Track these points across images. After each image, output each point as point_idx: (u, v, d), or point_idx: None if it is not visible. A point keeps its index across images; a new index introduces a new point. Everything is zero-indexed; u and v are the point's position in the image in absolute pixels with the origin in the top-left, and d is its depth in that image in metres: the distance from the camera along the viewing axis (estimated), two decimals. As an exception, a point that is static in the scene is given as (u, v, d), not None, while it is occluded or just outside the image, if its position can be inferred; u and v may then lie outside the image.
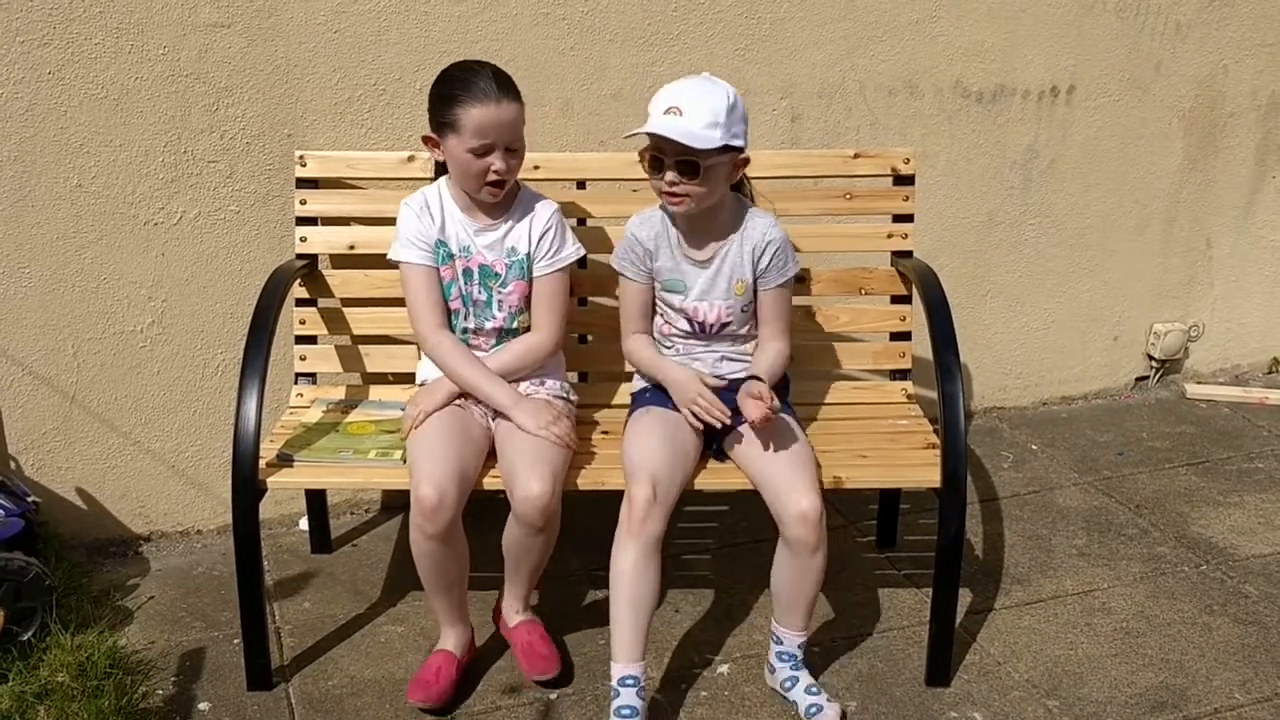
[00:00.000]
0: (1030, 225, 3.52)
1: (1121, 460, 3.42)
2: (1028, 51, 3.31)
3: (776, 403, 2.24)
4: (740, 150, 2.26)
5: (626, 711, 2.14)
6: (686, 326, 2.40)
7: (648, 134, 2.21)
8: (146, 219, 2.71)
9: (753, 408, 2.22)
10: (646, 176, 2.28)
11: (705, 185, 2.23)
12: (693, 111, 2.17)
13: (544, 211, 2.41)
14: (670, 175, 2.22)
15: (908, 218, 2.74)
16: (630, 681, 2.16)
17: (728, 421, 2.28)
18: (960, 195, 3.40)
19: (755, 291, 2.39)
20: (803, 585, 2.25)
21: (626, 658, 2.16)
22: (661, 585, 2.21)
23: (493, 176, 2.27)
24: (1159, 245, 3.72)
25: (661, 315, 2.45)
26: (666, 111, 2.18)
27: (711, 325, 2.39)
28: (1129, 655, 2.51)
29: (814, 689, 2.30)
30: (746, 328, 2.43)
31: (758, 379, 2.29)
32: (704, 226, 2.35)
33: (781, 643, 2.34)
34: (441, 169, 2.40)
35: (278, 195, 2.76)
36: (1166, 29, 3.44)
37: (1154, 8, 3.40)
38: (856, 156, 2.74)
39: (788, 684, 2.33)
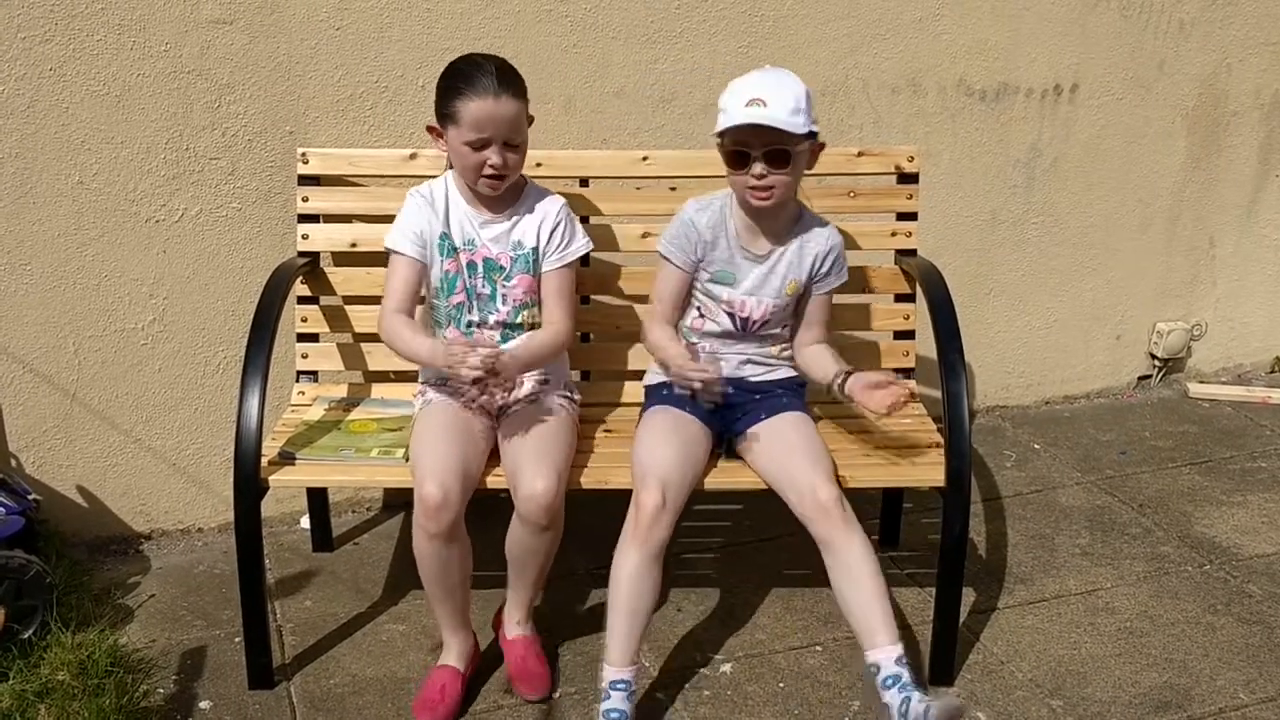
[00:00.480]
0: (1033, 224, 3.52)
1: (1124, 459, 3.41)
2: (1031, 50, 3.31)
3: (902, 388, 2.21)
4: (817, 136, 2.24)
5: (615, 715, 2.13)
6: (726, 321, 2.37)
7: (739, 127, 2.14)
8: (148, 216, 2.70)
9: (882, 396, 2.18)
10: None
11: (793, 174, 2.21)
12: (776, 100, 2.14)
13: (552, 206, 2.40)
14: (758, 168, 2.18)
15: (911, 216, 2.73)
16: (621, 686, 2.15)
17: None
18: (963, 194, 3.39)
19: (805, 293, 2.37)
20: (859, 587, 2.13)
21: (619, 661, 2.16)
22: (664, 586, 2.20)
23: (489, 170, 2.26)
24: (1162, 244, 3.72)
25: (700, 309, 2.41)
26: (749, 104, 2.14)
27: (754, 322, 2.36)
28: (1133, 655, 2.50)
29: (927, 696, 2.07)
30: (779, 329, 2.41)
31: (849, 372, 2.28)
32: (770, 222, 2.32)
33: (879, 669, 2.10)
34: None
35: (279, 192, 2.76)
36: (1170, 27, 3.44)
37: (1157, 6, 3.39)
38: (860, 155, 2.73)
39: (903, 707, 2.05)
